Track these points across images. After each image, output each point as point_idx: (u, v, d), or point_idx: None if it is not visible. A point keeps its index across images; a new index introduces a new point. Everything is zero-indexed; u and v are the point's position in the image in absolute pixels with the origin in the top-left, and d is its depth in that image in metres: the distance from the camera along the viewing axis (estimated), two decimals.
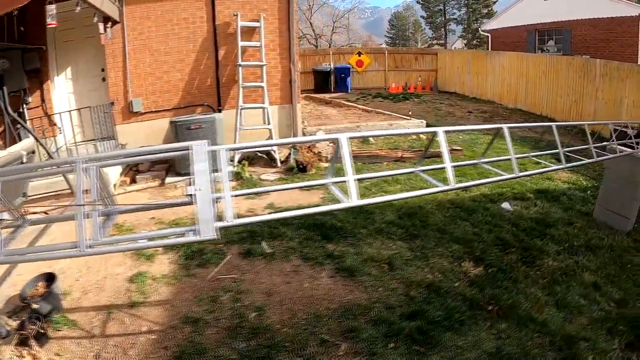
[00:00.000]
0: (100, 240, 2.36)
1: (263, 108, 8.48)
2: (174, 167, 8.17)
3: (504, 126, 3.68)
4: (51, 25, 6.65)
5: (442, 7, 39.79)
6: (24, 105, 8.28)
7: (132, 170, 8.31)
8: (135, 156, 2.88)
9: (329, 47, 32.98)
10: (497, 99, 17.52)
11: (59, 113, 8.30)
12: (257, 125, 8.58)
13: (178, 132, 7.94)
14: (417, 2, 42.56)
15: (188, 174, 7.82)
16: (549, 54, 19.45)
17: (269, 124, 8.45)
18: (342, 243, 4.93)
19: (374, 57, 20.67)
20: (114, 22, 8.33)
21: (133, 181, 8.02)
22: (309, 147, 8.64)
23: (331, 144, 9.14)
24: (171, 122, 8.13)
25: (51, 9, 6.51)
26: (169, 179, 7.86)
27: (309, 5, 34.96)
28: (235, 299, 3.97)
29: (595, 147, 5.05)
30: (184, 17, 8.78)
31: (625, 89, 11.57)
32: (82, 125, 8.84)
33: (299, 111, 9.15)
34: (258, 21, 8.66)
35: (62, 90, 8.99)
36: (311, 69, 19.69)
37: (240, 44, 8.53)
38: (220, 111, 8.96)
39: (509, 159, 3.72)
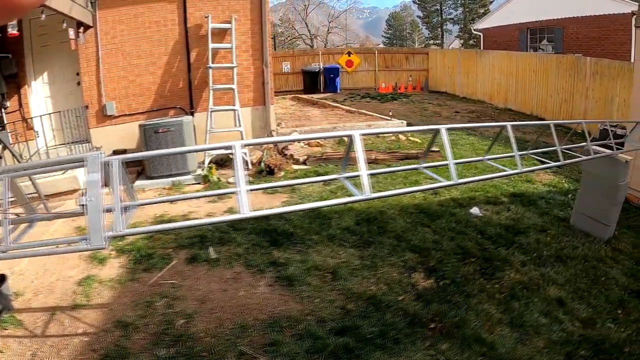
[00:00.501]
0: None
1: (234, 110, 8.38)
2: (145, 170, 8.13)
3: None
4: (12, 35, 6.67)
5: (438, 7, 39.61)
6: (3, 110, 8.32)
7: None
8: (29, 169, 2.80)
9: (325, 47, 32.96)
10: (487, 99, 17.36)
11: (35, 117, 8.32)
12: (230, 127, 8.50)
13: (146, 135, 7.91)
14: (414, 2, 42.41)
15: (158, 177, 7.97)
16: (538, 53, 19.26)
17: (239, 126, 8.36)
18: (290, 250, 4.80)
19: (364, 57, 20.57)
20: (87, 27, 8.32)
21: (105, 184, 7.96)
22: (281, 149, 8.56)
23: (305, 146, 9.08)
24: (140, 126, 8.09)
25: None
26: (138, 182, 7.81)
27: (304, 5, 34.89)
28: (169, 305, 3.91)
29: (569, 149, 4.87)
30: (156, 20, 8.72)
31: (617, 88, 11.35)
32: (62, 128, 8.82)
33: (272, 113, 9.07)
34: (229, 23, 8.58)
35: (39, 94, 9.02)
36: (300, 70, 19.58)
37: (211, 46, 8.47)
38: (192, 114, 8.91)
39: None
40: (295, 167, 8.02)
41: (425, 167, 3.57)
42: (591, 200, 5.82)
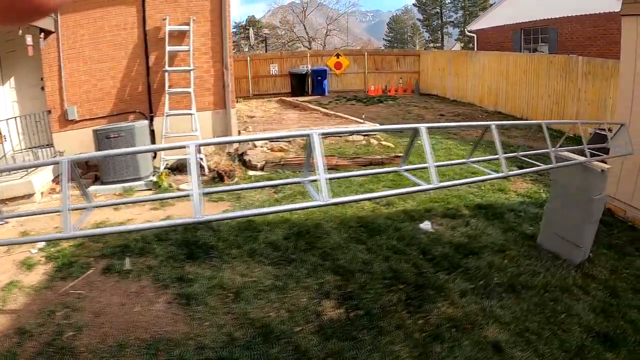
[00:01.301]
0: None
1: (190, 114, 8.17)
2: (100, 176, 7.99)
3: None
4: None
5: (439, 10, 39.30)
6: None
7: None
8: None
9: (323, 49, 32.76)
10: (478, 102, 16.97)
11: (2, 121, 8.21)
12: (188, 132, 8.30)
13: (99, 141, 7.75)
14: (414, 5, 42.13)
15: (111, 182, 7.79)
16: (529, 53, 18.86)
17: (196, 130, 8.15)
18: (204, 264, 4.52)
19: (353, 59, 20.32)
20: (49, 32, 8.22)
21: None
22: (240, 154, 8.35)
23: (268, 150, 8.85)
24: (93, 131, 7.92)
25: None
26: (92, 188, 7.67)
27: (303, 8, 34.73)
28: (67, 315, 3.75)
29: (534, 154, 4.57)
30: (116, 24, 8.58)
31: (610, 89, 10.70)
32: (28, 133, 8.76)
33: (234, 116, 8.85)
34: (188, 25, 8.38)
35: (6, 99, 9.00)
36: (287, 72, 19.37)
37: (168, 48, 8.29)
38: (152, 118, 8.74)
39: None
40: (252, 173, 7.80)
41: (406, 170, 3.37)
42: (561, 216, 4.95)
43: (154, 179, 7.60)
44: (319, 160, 2.52)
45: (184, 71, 8.35)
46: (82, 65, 8.63)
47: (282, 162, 7.87)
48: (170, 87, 8.48)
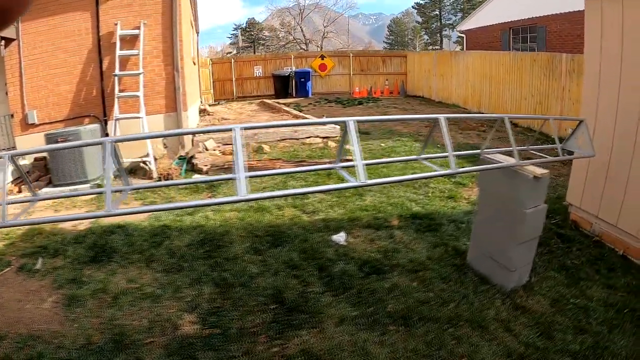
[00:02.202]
0: None
1: (139, 118, 8.27)
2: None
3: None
4: None
5: (438, 13, 39.13)
6: None
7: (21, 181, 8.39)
8: None
9: (320, 50, 32.78)
10: (462, 103, 16.75)
11: None
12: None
13: (49, 144, 7.89)
14: (413, 8, 42.02)
15: (60, 185, 7.91)
16: (512, 52, 18.69)
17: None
18: (104, 268, 4.56)
19: (339, 61, 20.34)
20: (10, 40, 8.50)
21: (20, 191, 8.06)
22: (190, 157, 8.43)
23: (220, 153, 8.92)
24: (45, 135, 8.09)
25: None
26: (44, 190, 7.82)
27: (300, 10, 34.82)
28: None
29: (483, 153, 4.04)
30: (72, 30, 8.75)
31: None
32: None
33: (185, 119, 8.92)
34: (139, 29, 8.50)
35: None
36: (271, 74, 19.45)
37: (119, 53, 8.41)
38: (106, 121, 8.86)
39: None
40: (197, 176, 7.86)
41: (341, 168, 3.31)
42: (489, 232, 4.14)
43: (99, 181, 7.70)
44: (239, 158, 2.57)
45: (133, 75, 8.45)
46: (41, 70, 8.83)
47: (226, 166, 7.92)
48: (123, 91, 8.61)
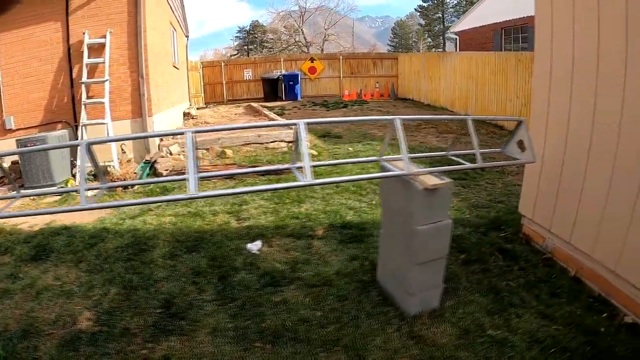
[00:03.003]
0: None
1: (104, 124, 8.63)
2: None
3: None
4: None
5: (440, 15, 39.11)
6: None
7: None
8: None
9: (321, 53, 33.02)
10: (450, 106, 16.59)
11: None
12: None
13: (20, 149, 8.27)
14: (416, 10, 42.06)
15: (29, 187, 8.26)
16: (497, 52, 18.66)
17: None
18: (41, 266, 4.83)
19: (328, 64, 20.49)
20: None
21: None
22: (153, 162, 8.73)
23: (184, 158, 9.21)
24: (16, 141, 8.48)
25: None
26: (14, 192, 8.18)
27: (301, 13, 35.11)
28: None
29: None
30: (44, 40, 9.17)
31: None
32: None
33: (150, 125, 9.25)
34: (105, 37, 8.86)
35: None
36: (260, 77, 19.71)
37: (86, 61, 8.78)
38: (76, 127, 9.22)
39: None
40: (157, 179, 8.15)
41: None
42: (391, 248, 3.76)
43: (62, 185, 8.06)
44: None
45: (99, 82, 8.80)
46: (16, 79, 9.27)
47: (183, 171, 8.20)
48: (92, 97, 8.99)
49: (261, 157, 9.38)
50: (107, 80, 8.80)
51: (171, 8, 13.66)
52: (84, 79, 8.81)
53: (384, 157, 3.76)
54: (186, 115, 15.30)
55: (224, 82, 20.16)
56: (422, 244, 3.26)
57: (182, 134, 2.87)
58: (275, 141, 9.99)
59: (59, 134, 8.60)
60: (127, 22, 9.10)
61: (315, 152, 9.76)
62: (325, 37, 38.36)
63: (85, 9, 8.96)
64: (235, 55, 39.37)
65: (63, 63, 9.22)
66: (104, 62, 8.88)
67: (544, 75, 4.52)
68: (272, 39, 40.69)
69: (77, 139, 9.22)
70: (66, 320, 3.85)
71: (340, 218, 5.83)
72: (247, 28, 42.79)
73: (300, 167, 3.25)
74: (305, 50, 36.61)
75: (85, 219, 6.39)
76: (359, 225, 5.52)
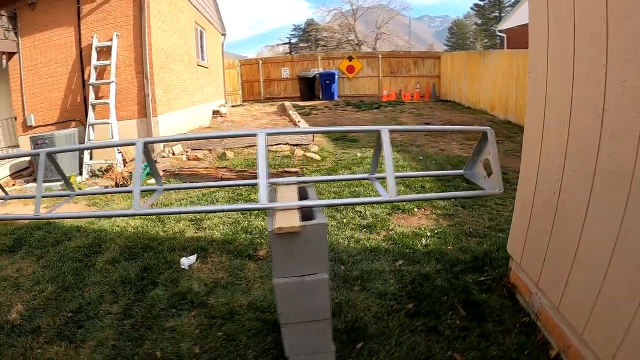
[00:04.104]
0: None
1: (108, 123, 8.93)
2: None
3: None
4: None
5: (497, 14, 37.35)
6: None
7: (17, 174, 9.48)
8: None
9: (373, 51, 32.58)
10: (489, 108, 15.59)
11: None
12: (106, 140, 9.09)
13: (32, 146, 8.81)
14: (471, 9, 40.46)
15: (44, 181, 8.76)
16: None
17: (112, 138, 8.92)
18: (12, 258, 5.18)
19: (367, 62, 20.02)
20: (12, 54, 9.78)
21: (14, 184, 9.12)
22: (155, 162, 8.92)
23: (186, 158, 9.36)
24: (30, 138, 9.01)
25: None
26: (29, 185, 8.77)
27: (353, 11, 34.78)
28: None
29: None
30: (60, 43, 9.72)
31: None
32: (7, 134, 10.81)
33: (155, 125, 9.47)
34: (111, 41, 9.17)
35: None
36: (296, 76, 19.62)
37: (94, 63, 9.14)
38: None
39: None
40: (152, 180, 8.32)
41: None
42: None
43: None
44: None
45: (105, 83, 9.12)
46: (36, 80, 9.92)
47: (176, 172, 8.31)
48: (101, 98, 9.35)
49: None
50: (113, 81, 9.10)
51: (197, 8, 13.91)
52: (92, 80, 9.16)
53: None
54: (215, 113, 15.56)
55: (261, 80, 20.33)
56: (284, 301, 2.58)
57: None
58: (280, 144, 9.91)
59: (67, 132, 9.01)
60: (132, 25, 9.36)
61: (318, 157, 9.54)
62: (377, 35, 37.78)
63: (95, 14, 9.33)
64: (289, 53, 39.68)
65: (76, 65, 9.67)
66: (109, 64, 9.19)
67: (540, 75, 3.22)
68: (326, 37, 40.65)
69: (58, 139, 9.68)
70: (3, 310, 4.07)
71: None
72: (303, 26, 43.12)
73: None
74: (358, 48, 36.25)
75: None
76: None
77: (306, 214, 2.57)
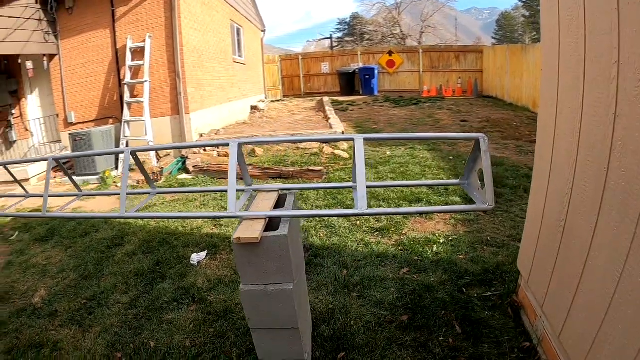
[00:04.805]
0: None
1: (142, 121, 9.23)
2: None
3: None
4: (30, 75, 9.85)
5: None
6: (11, 115, 10.76)
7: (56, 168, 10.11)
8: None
9: (418, 45, 31.97)
10: (531, 105, 14.81)
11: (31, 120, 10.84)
12: (142, 136, 9.39)
13: (71, 142, 9.26)
14: (520, 1, 38.79)
15: (79, 175, 9.14)
16: None
17: (146, 135, 9.22)
18: (43, 246, 5.62)
19: (407, 57, 19.64)
20: (52, 56, 10.37)
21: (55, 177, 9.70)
22: (185, 157, 9.13)
23: (216, 155, 9.52)
24: (69, 134, 9.45)
25: (29, 64, 9.65)
26: (65, 178, 9.22)
27: (397, 4, 34.23)
28: None
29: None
30: (97, 45, 10.17)
31: None
32: (49, 130, 11.30)
33: (187, 122, 9.71)
34: (144, 42, 9.45)
35: (34, 104, 11.40)
36: (336, 71, 19.51)
37: (128, 64, 9.47)
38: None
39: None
40: (181, 176, 8.53)
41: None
42: None
43: (101, 175, 8.80)
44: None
45: (139, 83, 9.42)
46: (76, 79, 10.42)
47: (205, 168, 8.47)
48: (136, 96, 9.67)
49: (289, 157, 9.34)
50: (146, 81, 9.38)
51: (232, 6, 14.08)
52: (127, 79, 9.48)
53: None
54: (253, 108, 15.76)
55: (301, 76, 20.39)
56: (251, 308, 2.58)
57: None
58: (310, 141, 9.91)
59: (103, 129, 9.38)
60: (164, 26, 9.62)
61: (346, 155, 9.47)
62: (422, 29, 37.00)
63: (128, 16, 9.67)
64: (335, 47, 39.57)
65: (112, 65, 10.05)
66: (142, 65, 9.48)
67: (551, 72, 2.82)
68: (371, 31, 40.25)
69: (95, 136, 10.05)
70: (29, 294, 4.48)
71: (305, 239, 5.11)
72: (348, 20, 42.90)
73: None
74: (402, 42, 35.68)
75: (106, 208, 7.15)
76: (319, 249, 4.83)
77: (276, 223, 2.55)
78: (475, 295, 3.66)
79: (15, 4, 8.93)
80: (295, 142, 9.25)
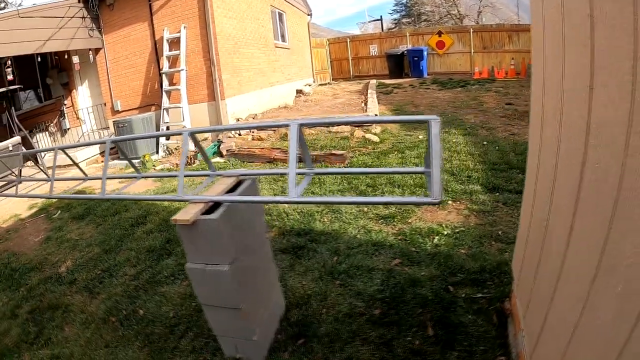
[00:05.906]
0: None
1: (179, 107, 9.63)
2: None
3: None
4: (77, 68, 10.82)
5: None
6: (64, 105, 11.61)
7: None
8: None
9: (476, 24, 30.70)
10: None
11: (81, 109, 11.91)
12: (180, 122, 9.81)
13: (115, 129, 9.86)
14: None
15: (121, 159, 9.72)
16: None
17: (183, 120, 9.63)
18: (79, 223, 6.24)
19: (457, 37, 18.81)
20: (98, 49, 11.17)
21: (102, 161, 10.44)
22: (220, 141, 9.42)
23: (250, 139, 9.76)
24: (113, 122, 10.05)
25: (75, 59, 10.69)
26: (112, 162, 9.83)
27: None
28: None
29: None
30: (137, 37, 10.72)
31: None
32: (97, 118, 12.30)
33: (223, 107, 10.00)
34: (180, 32, 9.81)
35: (84, 94, 12.24)
36: (384, 53, 19.14)
37: (165, 54, 9.91)
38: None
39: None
40: (215, 160, 8.81)
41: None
42: None
43: (141, 159, 9.29)
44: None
45: (176, 72, 9.81)
46: (120, 70, 11.09)
47: (236, 152, 8.69)
48: (175, 84, 10.07)
49: (320, 141, 9.38)
50: (183, 69, 9.75)
51: None
52: (165, 69, 9.89)
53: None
54: (299, 92, 15.88)
55: (349, 58, 20.24)
56: (197, 284, 2.76)
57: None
58: (340, 124, 9.90)
59: (143, 117, 9.90)
60: (198, 16, 9.95)
61: (377, 139, 9.35)
62: (480, 8, 35.41)
63: (164, 9, 10.13)
64: (392, 28, 38.86)
65: (152, 56, 10.55)
66: (178, 54, 9.88)
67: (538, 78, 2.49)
68: (428, 11, 39.09)
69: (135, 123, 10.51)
70: (58, 264, 5.10)
71: (307, 224, 5.04)
72: (404, 1, 41.87)
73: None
74: (460, 22, 34.38)
75: (143, 189, 7.60)
76: (318, 234, 4.74)
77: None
78: (463, 295, 3.38)
79: (58, 4, 9.53)
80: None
